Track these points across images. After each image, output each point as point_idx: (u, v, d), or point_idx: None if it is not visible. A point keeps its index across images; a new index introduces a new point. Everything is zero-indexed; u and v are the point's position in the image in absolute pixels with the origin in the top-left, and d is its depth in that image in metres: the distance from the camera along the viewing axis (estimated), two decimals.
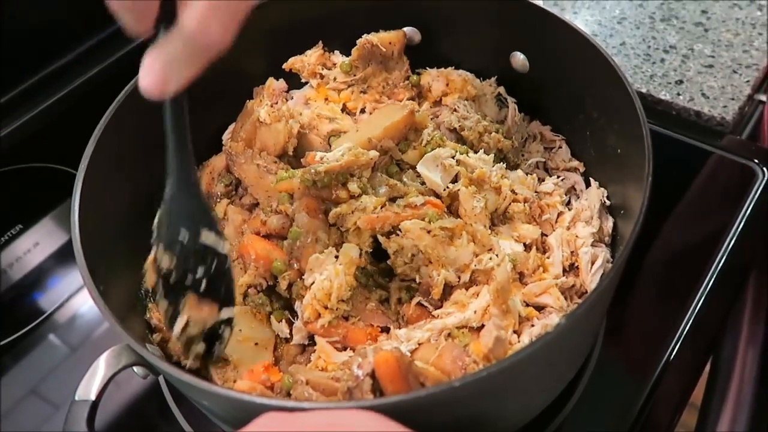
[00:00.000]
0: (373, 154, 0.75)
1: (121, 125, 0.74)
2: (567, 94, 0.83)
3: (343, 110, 0.89)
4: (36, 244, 0.97)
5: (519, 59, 0.86)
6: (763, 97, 1.05)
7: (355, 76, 0.88)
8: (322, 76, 0.89)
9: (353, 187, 0.73)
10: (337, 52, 0.90)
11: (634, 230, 0.58)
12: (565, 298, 0.70)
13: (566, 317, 0.52)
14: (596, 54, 0.74)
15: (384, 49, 0.85)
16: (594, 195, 0.78)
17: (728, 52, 1.08)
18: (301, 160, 0.80)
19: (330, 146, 0.83)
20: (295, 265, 0.72)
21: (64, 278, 0.94)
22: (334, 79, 0.88)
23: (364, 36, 0.85)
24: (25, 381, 0.84)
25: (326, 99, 0.89)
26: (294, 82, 0.93)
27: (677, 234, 0.91)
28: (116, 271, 0.70)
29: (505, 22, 0.84)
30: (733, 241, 0.87)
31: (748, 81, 1.04)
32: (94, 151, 0.70)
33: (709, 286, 0.83)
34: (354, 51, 0.86)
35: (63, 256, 0.96)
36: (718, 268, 0.85)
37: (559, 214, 0.78)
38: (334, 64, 0.89)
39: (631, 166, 0.68)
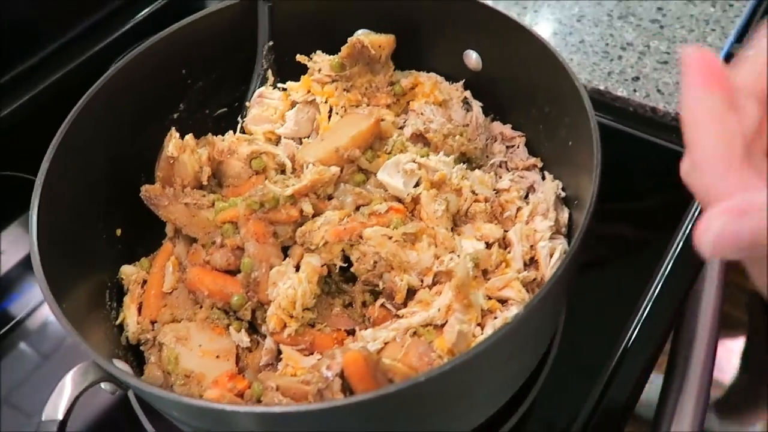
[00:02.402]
0: (335, 169, 0.76)
1: (81, 133, 0.73)
2: (520, 90, 0.84)
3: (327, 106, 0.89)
4: (1, 252, 0.96)
5: (472, 58, 0.87)
6: None
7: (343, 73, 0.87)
8: (306, 69, 0.89)
9: (307, 207, 0.73)
10: (319, 51, 0.89)
11: (584, 221, 0.59)
12: (528, 291, 0.72)
13: (524, 307, 0.54)
14: (540, 46, 0.74)
15: (373, 52, 0.84)
16: (549, 188, 0.79)
17: (683, 48, 1.11)
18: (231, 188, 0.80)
19: (252, 168, 0.82)
20: (254, 298, 0.71)
21: (34, 285, 0.93)
22: (319, 70, 0.87)
23: (356, 35, 0.85)
24: None
25: (308, 91, 0.88)
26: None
27: (631, 228, 0.94)
28: (78, 282, 0.70)
29: (457, 22, 0.85)
30: (686, 235, 0.90)
31: None
32: (53, 159, 0.69)
33: (663, 278, 0.86)
34: (344, 49, 0.85)
35: (31, 264, 0.95)
36: (671, 260, 0.88)
37: (518, 209, 0.79)
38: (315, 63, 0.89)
39: (582, 156, 0.69)
